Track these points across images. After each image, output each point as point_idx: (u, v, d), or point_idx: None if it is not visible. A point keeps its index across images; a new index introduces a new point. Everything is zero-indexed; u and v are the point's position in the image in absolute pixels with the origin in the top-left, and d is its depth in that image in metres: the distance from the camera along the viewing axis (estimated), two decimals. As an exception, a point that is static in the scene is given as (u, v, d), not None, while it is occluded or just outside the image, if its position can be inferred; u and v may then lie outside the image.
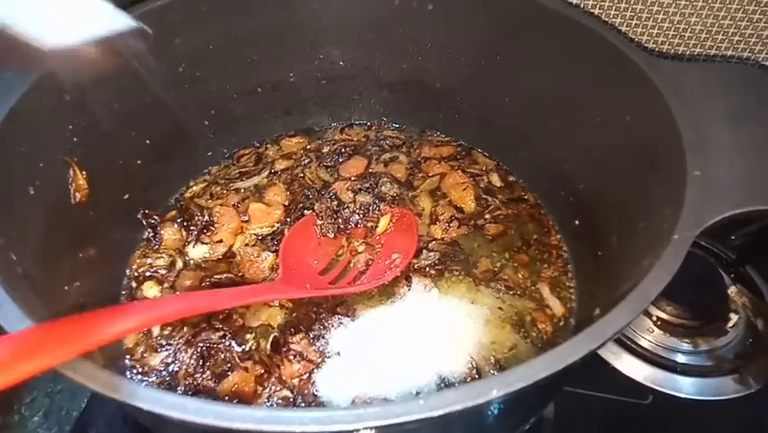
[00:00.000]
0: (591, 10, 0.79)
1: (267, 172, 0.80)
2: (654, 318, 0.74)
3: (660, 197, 0.52)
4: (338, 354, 0.61)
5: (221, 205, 0.76)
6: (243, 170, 0.81)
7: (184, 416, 0.32)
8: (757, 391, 0.69)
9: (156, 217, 0.74)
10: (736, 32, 0.79)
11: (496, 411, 0.45)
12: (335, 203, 0.74)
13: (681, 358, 0.72)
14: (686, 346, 0.72)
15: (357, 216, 0.73)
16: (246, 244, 0.72)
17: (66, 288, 0.56)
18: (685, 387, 0.69)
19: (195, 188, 0.79)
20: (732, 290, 0.77)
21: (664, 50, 0.83)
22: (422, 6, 0.73)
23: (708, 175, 0.48)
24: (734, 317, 0.75)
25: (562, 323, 0.65)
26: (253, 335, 0.63)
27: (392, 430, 0.35)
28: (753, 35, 0.79)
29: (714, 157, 0.50)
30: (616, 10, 0.79)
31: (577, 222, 0.70)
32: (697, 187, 0.47)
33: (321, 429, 0.32)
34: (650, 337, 0.73)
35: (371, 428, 0.34)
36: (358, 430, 0.34)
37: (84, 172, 0.61)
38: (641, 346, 0.73)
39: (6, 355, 0.33)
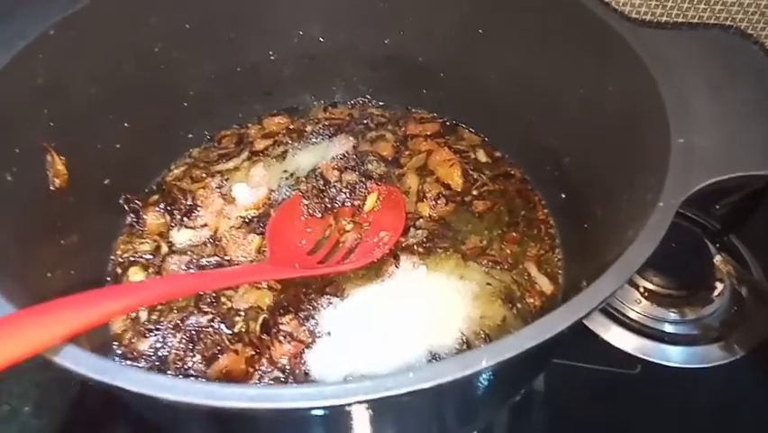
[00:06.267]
0: (574, -20, 0.78)
1: (247, 153, 0.79)
2: (642, 289, 0.75)
3: (644, 166, 0.52)
4: (328, 333, 0.61)
5: (203, 188, 0.75)
6: (223, 151, 0.80)
7: (174, 396, 0.32)
8: (741, 357, 0.70)
9: (138, 202, 0.72)
10: (717, 0, 0.79)
11: (486, 383, 0.46)
12: (321, 182, 0.73)
13: (668, 328, 0.73)
14: (673, 316, 0.73)
15: (344, 195, 0.72)
16: (231, 227, 0.71)
17: (49, 275, 0.55)
18: (673, 356, 0.70)
19: (176, 171, 0.78)
20: (717, 260, 0.78)
21: (647, 20, 0.83)
22: (403, -21, 0.72)
23: (690, 143, 0.48)
24: (719, 286, 0.76)
25: (551, 298, 0.65)
26: (242, 317, 0.63)
27: (384, 404, 0.35)
28: (734, 3, 0.79)
29: (696, 125, 0.50)
30: (598, -20, 0.78)
31: (563, 195, 0.70)
32: (680, 155, 0.47)
33: (311, 405, 0.31)
34: (638, 308, 0.74)
35: (364, 402, 0.34)
36: (350, 405, 0.33)
37: (62, 157, 0.59)
38: (629, 318, 0.74)
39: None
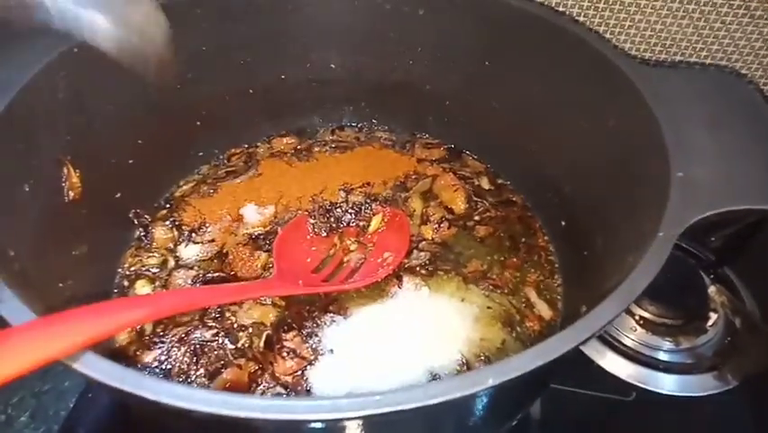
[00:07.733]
0: (577, 17, 0.81)
1: (253, 171, 0.81)
2: (638, 318, 0.76)
3: (644, 197, 0.53)
4: (331, 351, 0.62)
5: (211, 204, 0.76)
6: (231, 169, 0.82)
7: (190, 405, 0.33)
8: (734, 387, 0.71)
9: (147, 216, 0.74)
10: (714, 41, 0.82)
11: (487, 404, 0.47)
12: (327, 202, 0.75)
13: (663, 356, 0.74)
14: (668, 345, 0.74)
15: (349, 216, 0.74)
16: (238, 244, 0.72)
17: (60, 285, 0.56)
18: (667, 384, 0.71)
19: (185, 187, 0.79)
20: (712, 290, 0.79)
21: (647, 58, 0.85)
22: (413, 11, 0.74)
23: (689, 177, 0.50)
24: (713, 317, 0.77)
25: (550, 323, 0.67)
26: (246, 332, 0.64)
27: (388, 419, 0.36)
28: (730, 44, 0.82)
29: (694, 160, 0.52)
30: (600, 18, 0.81)
31: (563, 223, 0.72)
32: (680, 188, 0.49)
33: (324, 417, 0.32)
34: (633, 336, 0.75)
35: (368, 417, 0.35)
36: (355, 419, 0.35)
37: (77, 171, 0.61)
38: (624, 345, 0.75)
39: (15, 345, 0.34)
